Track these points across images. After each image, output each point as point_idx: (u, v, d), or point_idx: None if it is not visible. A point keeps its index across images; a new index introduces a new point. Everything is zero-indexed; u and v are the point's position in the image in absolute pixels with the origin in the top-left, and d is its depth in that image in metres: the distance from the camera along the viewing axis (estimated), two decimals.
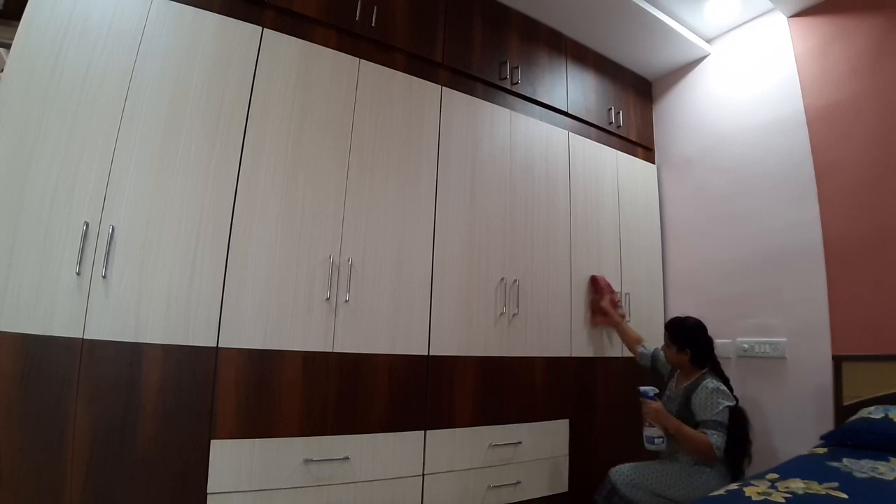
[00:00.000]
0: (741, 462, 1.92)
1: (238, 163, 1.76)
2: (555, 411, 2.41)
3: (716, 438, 1.81)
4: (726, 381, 2.02)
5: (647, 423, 2.00)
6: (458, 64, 2.40)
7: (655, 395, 2.01)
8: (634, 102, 3.24)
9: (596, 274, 2.67)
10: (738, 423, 1.91)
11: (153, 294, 1.56)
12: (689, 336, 2.09)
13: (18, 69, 1.47)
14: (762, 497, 1.23)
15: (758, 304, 2.60)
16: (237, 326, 1.68)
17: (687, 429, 1.89)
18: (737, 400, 1.97)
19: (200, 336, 1.62)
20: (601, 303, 2.59)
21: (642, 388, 2.02)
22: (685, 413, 1.96)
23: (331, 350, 1.84)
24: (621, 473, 1.97)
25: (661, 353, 2.27)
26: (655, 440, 1.98)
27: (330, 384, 1.82)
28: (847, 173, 2.35)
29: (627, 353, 2.74)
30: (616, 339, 2.69)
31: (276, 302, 1.76)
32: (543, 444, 2.34)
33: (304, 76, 1.95)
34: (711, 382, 1.95)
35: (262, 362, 1.71)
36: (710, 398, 1.90)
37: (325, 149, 1.95)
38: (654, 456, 2.07)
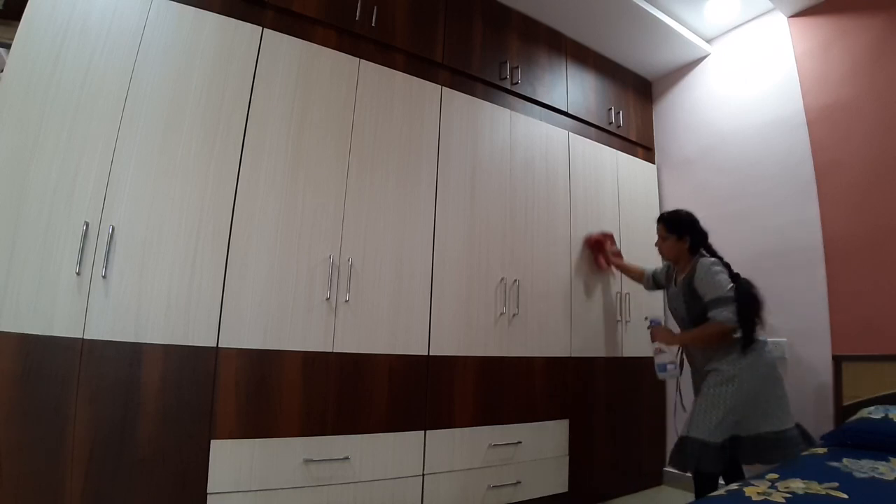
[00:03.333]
0: (753, 330, 1.86)
1: (238, 163, 1.76)
2: (555, 411, 2.41)
3: (724, 314, 1.81)
4: (721, 261, 1.99)
5: (656, 351, 2.04)
6: (458, 64, 2.40)
7: (661, 322, 2.10)
8: (634, 102, 3.24)
9: (591, 235, 2.71)
10: (742, 291, 1.87)
11: (153, 294, 1.56)
12: (687, 223, 2.09)
13: (18, 69, 1.47)
14: (762, 497, 1.23)
15: None
16: (237, 326, 1.68)
17: (694, 331, 1.93)
18: (733, 276, 1.94)
19: (200, 336, 1.62)
20: (608, 257, 2.68)
21: (650, 317, 2.12)
22: (693, 304, 1.95)
23: (331, 350, 1.84)
24: (694, 432, 1.81)
25: (656, 270, 2.43)
26: (668, 366, 2.00)
27: (330, 384, 1.82)
28: (847, 173, 2.35)
29: (627, 353, 2.74)
30: (616, 338, 2.69)
31: (276, 302, 1.76)
32: (543, 444, 2.34)
33: (304, 76, 1.95)
34: (706, 259, 1.95)
35: (262, 362, 1.71)
36: (708, 274, 1.90)
37: (325, 149, 1.95)
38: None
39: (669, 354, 2.00)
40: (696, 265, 1.97)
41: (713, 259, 1.96)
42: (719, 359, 1.86)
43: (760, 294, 1.90)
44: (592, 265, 2.71)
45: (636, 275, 2.59)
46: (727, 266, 1.97)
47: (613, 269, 2.74)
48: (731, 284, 1.88)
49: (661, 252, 2.21)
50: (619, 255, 2.74)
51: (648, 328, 2.11)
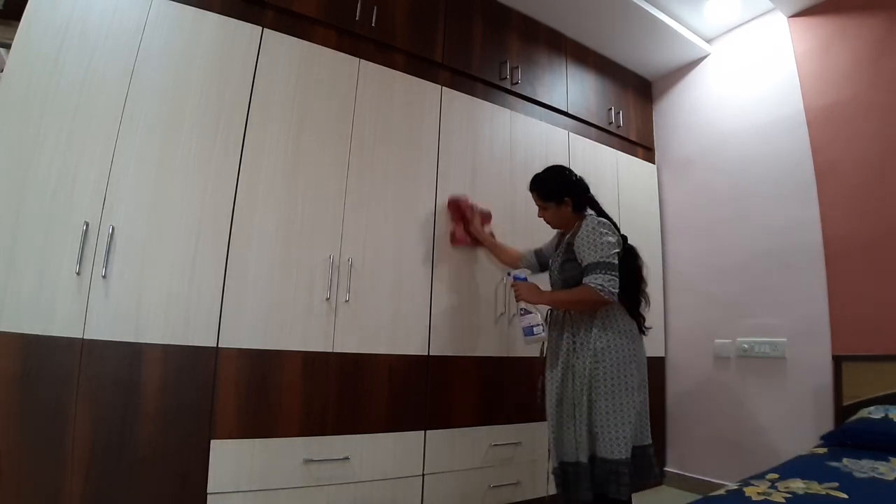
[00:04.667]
0: (638, 306, 1.70)
1: (238, 163, 1.76)
2: None
3: (601, 280, 1.53)
4: (610, 220, 1.72)
5: (521, 312, 1.78)
6: (458, 64, 2.40)
7: (527, 278, 1.82)
8: (634, 102, 3.24)
9: (454, 196, 2.18)
10: (627, 262, 1.66)
11: (153, 294, 1.56)
12: (563, 183, 1.79)
13: (18, 69, 1.47)
14: (762, 497, 1.23)
15: (758, 304, 2.60)
16: (237, 326, 1.68)
17: (562, 292, 1.67)
18: (624, 238, 1.71)
19: (200, 336, 1.62)
20: (470, 228, 2.15)
21: (513, 272, 1.83)
22: (568, 265, 1.69)
23: (331, 350, 1.84)
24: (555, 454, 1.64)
25: (539, 248, 2.02)
26: (534, 329, 1.74)
27: (330, 384, 1.82)
28: (847, 173, 2.35)
29: None
30: None
31: (276, 302, 1.76)
32: (543, 444, 2.33)
33: (304, 76, 1.94)
34: (592, 219, 1.66)
35: (262, 362, 1.71)
36: (593, 234, 1.61)
37: (325, 149, 1.95)
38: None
39: (537, 315, 1.73)
40: (581, 224, 1.69)
41: (601, 219, 1.68)
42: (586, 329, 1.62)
43: (643, 268, 1.73)
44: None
45: (512, 257, 2.10)
46: (616, 228, 1.70)
47: (476, 245, 2.22)
48: (616, 250, 1.61)
49: (548, 222, 1.88)
50: (487, 220, 2.21)
51: (511, 285, 1.80)
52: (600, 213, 1.78)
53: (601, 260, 1.57)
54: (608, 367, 1.58)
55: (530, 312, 1.77)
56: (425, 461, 1.99)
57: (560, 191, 1.77)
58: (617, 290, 1.55)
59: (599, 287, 1.53)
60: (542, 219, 1.88)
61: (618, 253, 1.61)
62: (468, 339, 2.19)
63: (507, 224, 2.40)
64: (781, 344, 2.46)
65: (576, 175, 1.82)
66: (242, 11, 1.87)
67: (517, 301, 1.80)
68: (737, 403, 2.61)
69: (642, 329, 1.73)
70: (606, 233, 1.62)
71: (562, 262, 1.73)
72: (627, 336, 1.63)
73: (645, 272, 1.78)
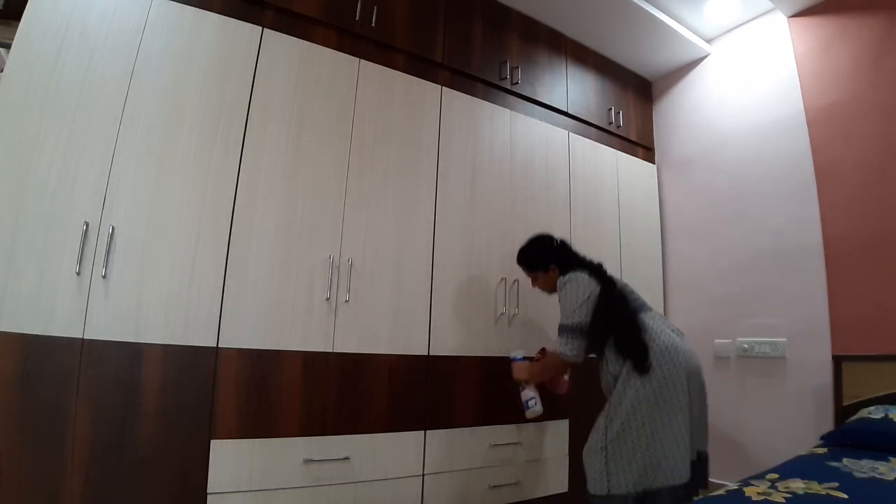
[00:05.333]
0: (630, 341, 1.56)
1: (238, 163, 1.76)
2: (555, 411, 2.41)
3: (561, 347, 1.56)
4: (593, 268, 1.69)
5: (520, 388, 1.95)
6: (458, 64, 2.40)
7: (524, 357, 1.95)
8: (634, 102, 3.24)
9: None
10: (610, 311, 1.58)
11: (153, 294, 1.56)
12: (543, 250, 1.87)
13: (18, 69, 1.47)
14: (762, 497, 1.23)
15: (758, 304, 2.60)
16: (237, 326, 1.68)
17: (536, 364, 1.78)
18: (606, 283, 1.63)
19: (200, 336, 1.62)
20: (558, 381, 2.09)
21: (511, 353, 1.98)
22: None
23: (331, 350, 1.84)
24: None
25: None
26: (529, 402, 1.89)
27: (330, 384, 1.82)
28: (847, 173, 2.35)
29: None
30: None
31: (276, 302, 1.76)
32: (543, 444, 2.34)
33: (304, 76, 1.94)
34: (561, 281, 1.69)
35: (262, 362, 1.71)
36: (561, 299, 1.63)
37: (325, 149, 1.95)
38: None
39: (530, 389, 1.85)
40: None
41: (569, 276, 1.68)
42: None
43: (628, 294, 1.64)
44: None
45: (565, 366, 1.86)
46: (596, 271, 1.68)
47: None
48: (580, 305, 1.59)
49: (542, 290, 1.98)
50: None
51: (511, 365, 1.95)
52: (581, 264, 1.78)
53: (562, 323, 1.64)
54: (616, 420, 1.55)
55: (524, 388, 1.92)
56: (425, 461, 1.98)
57: (544, 259, 1.89)
58: (574, 353, 1.58)
59: (562, 353, 1.60)
60: (535, 289, 1.97)
61: (585, 304, 1.61)
62: (468, 339, 2.19)
63: (506, 224, 2.40)
64: (781, 344, 2.46)
65: (557, 240, 1.91)
66: (242, 11, 1.87)
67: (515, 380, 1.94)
68: (737, 403, 2.61)
69: (641, 365, 1.53)
70: (571, 291, 1.64)
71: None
72: (628, 386, 1.54)
73: (633, 297, 1.70)
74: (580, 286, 1.64)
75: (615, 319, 1.60)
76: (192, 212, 1.66)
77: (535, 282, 1.97)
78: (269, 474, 1.66)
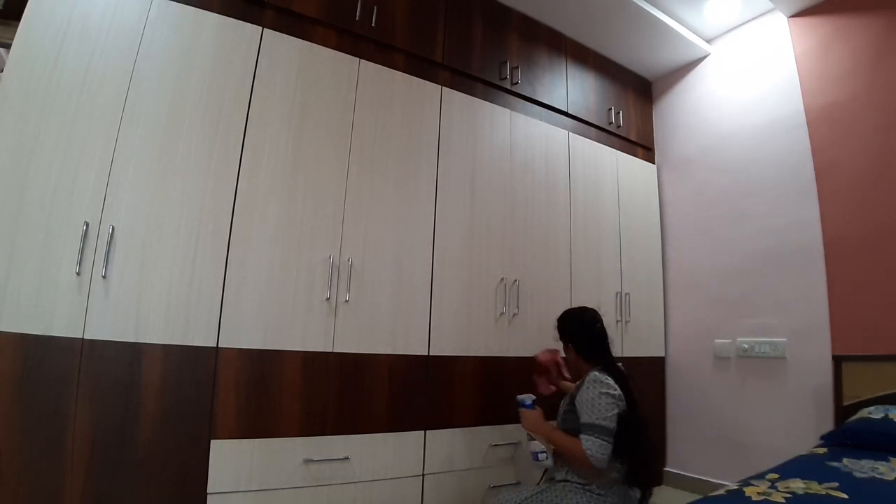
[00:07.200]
0: (639, 482, 1.55)
1: (238, 163, 1.76)
2: (554, 411, 2.41)
3: (590, 444, 1.45)
4: (622, 379, 1.61)
5: (528, 437, 1.81)
6: (458, 64, 2.40)
7: (533, 402, 1.82)
8: (634, 102, 3.24)
9: (550, 353, 2.10)
10: (628, 433, 1.52)
11: (153, 294, 1.56)
12: (568, 319, 1.79)
13: (18, 69, 1.47)
14: (762, 497, 1.23)
15: (758, 304, 2.60)
16: (237, 326, 1.68)
17: (559, 435, 1.59)
18: (631, 404, 1.58)
19: (200, 336, 1.62)
20: (561, 383, 2.08)
21: (519, 397, 1.83)
22: (568, 417, 1.64)
23: (331, 350, 1.84)
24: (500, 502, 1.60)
25: None
26: (539, 455, 1.77)
27: (330, 384, 1.82)
28: (847, 173, 2.35)
29: (627, 353, 2.74)
30: (616, 338, 2.69)
31: (276, 302, 1.76)
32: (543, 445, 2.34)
33: (304, 76, 1.94)
34: (594, 374, 1.59)
35: (262, 362, 1.71)
36: (588, 394, 1.54)
37: (325, 149, 1.95)
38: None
39: (540, 442, 1.75)
40: (585, 378, 1.62)
41: (601, 376, 1.57)
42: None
43: (647, 433, 1.59)
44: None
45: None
46: (624, 381, 1.60)
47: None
48: (616, 411, 1.51)
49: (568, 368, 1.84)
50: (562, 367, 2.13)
51: (518, 410, 1.81)
52: (614, 370, 1.65)
53: (596, 422, 1.49)
54: None
55: (535, 439, 1.80)
56: (425, 461, 1.98)
57: (565, 329, 1.79)
58: (604, 457, 1.46)
59: (589, 450, 1.46)
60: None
61: (618, 413, 1.52)
62: (468, 339, 2.19)
63: (506, 224, 2.40)
64: (781, 344, 2.46)
65: (594, 325, 1.73)
66: (242, 11, 1.87)
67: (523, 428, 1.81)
68: (737, 403, 2.61)
69: (644, 499, 1.53)
70: (605, 392, 1.53)
71: (564, 412, 1.67)
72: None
73: (648, 448, 1.63)
74: (613, 395, 1.54)
75: (636, 446, 1.54)
76: (192, 212, 1.66)
77: (565, 350, 1.85)
78: (268, 474, 1.66)
